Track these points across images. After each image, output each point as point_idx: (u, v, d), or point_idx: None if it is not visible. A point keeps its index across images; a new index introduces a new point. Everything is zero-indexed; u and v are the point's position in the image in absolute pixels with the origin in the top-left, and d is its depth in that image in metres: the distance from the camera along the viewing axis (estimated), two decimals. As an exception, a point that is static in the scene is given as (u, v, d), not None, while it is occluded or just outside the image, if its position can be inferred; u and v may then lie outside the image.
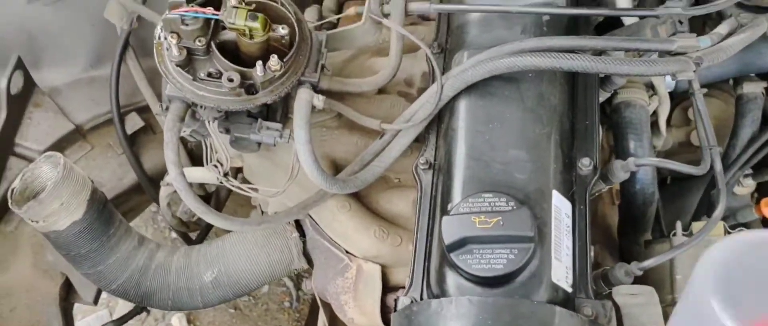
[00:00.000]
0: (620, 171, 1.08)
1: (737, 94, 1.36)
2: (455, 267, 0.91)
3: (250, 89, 1.03)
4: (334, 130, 1.24)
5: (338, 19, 1.37)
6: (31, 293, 1.30)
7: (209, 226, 1.54)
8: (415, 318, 0.91)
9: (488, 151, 1.02)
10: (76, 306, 1.41)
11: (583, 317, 0.89)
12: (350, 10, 1.22)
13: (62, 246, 1.15)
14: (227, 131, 1.10)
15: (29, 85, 1.34)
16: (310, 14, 1.44)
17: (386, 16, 1.16)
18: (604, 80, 1.17)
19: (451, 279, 0.94)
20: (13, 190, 1.11)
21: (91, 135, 1.42)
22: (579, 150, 1.06)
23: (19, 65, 1.30)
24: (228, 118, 1.08)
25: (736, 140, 1.35)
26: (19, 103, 1.32)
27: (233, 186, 1.09)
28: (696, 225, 1.24)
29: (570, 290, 0.94)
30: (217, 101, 1.02)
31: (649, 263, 0.99)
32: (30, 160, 1.34)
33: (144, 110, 1.45)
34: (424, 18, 1.40)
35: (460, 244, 0.90)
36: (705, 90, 1.18)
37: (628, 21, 1.13)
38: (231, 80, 1.00)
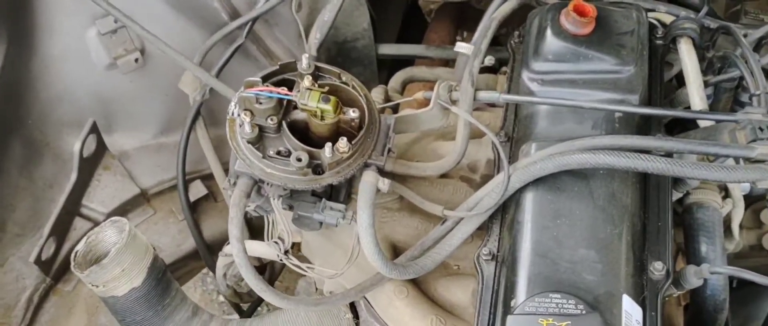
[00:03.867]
0: (693, 277, 1.04)
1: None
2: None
3: (316, 169, 1.03)
4: (396, 212, 1.22)
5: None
6: (82, 355, 1.30)
7: (261, 299, 1.53)
8: None
9: (555, 248, 0.99)
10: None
11: None
12: (418, 95, 1.23)
13: (118, 312, 1.15)
14: (290, 208, 1.11)
15: (101, 148, 1.38)
16: (376, 94, 1.45)
17: (454, 102, 1.17)
18: (677, 180, 1.14)
19: (514, 381, 0.90)
20: (76, 252, 1.13)
21: (155, 200, 1.45)
22: (651, 252, 1.02)
23: (94, 129, 1.34)
24: (292, 196, 1.08)
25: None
26: (89, 166, 1.36)
27: (293, 264, 1.08)
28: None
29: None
30: (284, 179, 1.02)
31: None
32: (94, 222, 1.37)
33: (207, 178, 1.48)
34: (491, 104, 1.40)
35: (517, 347, 0.87)
36: (784, 195, 1.14)
37: (703, 122, 1.10)
38: (299, 160, 1.01)
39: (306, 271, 1.09)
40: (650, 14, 1.25)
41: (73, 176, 1.30)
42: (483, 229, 1.11)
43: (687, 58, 1.17)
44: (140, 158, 1.45)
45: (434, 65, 1.63)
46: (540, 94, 1.14)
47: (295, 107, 1.06)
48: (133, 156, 1.45)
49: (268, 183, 1.05)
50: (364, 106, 1.05)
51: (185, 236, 1.42)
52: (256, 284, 1.01)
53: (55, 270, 1.32)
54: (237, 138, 1.04)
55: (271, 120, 1.03)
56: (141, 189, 1.42)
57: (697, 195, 1.20)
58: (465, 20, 1.95)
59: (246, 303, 1.48)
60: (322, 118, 1.02)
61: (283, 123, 1.04)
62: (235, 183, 1.05)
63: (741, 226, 1.38)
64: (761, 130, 0.98)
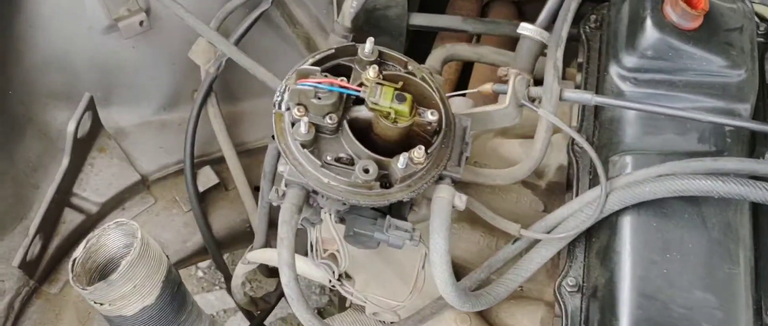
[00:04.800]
0: (807, 323, 0.91)
1: None
2: None
3: (383, 181, 0.85)
4: (454, 222, 1.06)
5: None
6: (72, 369, 1.11)
7: (275, 304, 1.35)
8: None
9: (666, 288, 0.84)
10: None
11: None
12: (486, 87, 1.04)
13: (126, 333, 0.97)
14: (341, 220, 0.92)
15: (96, 127, 1.17)
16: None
17: (533, 100, 0.99)
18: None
19: None
20: (75, 261, 0.93)
21: (156, 187, 1.24)
22: (766, 294, 0.88)
23: (90, 106, 1.11)
24: (351, 212, 0.90)
25: None
26: (82, 148, 1.14)
27: (347, 292, 0.91)
28: None
29: None
30: (346, 193, 0.83)
31: None
32: (87, 213, 1.16)
33: (218, 162, 1.28)
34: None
35: None
36: None
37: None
38: (367, 171, 0.82)
39: (363, 301, 0.91)
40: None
41: (65, 161, 1.08)
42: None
43: (799, 63, 1.02)
44: (140, 137, 1.24)
45: (464, 40, 1.45)
46: (632, 95, 0.97)
47: (355, 102, 0.87)
48: (132, 135, 1.23)
49: (322, 196, 0.86)
50: (441, 106, 0.87)
51: (191, 230, 1.23)
52: (310, 320, 0.84)
53: (41, 271, 1.12)
54: (287, 140, 0.85)
55: (330, 119, 0.84)
56: (141, 174, 1.21)
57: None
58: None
59: (261, 309, 1.31)
60: (395, 121, 0.84)
61: (344, 122, 0.85)
62: (284, 195, 0.85)
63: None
64: None
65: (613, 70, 0.99)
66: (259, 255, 1.07)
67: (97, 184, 1.16)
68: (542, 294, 1.04)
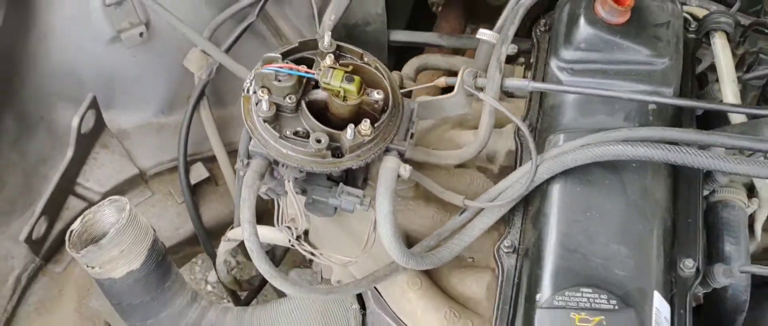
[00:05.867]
0: (721, 276, 1.01)
1: None
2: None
3: (335, 152, 0.98)
4: (411, 200, 1.17)
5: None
6: (71, 339, 1.23)
7: (260, 288, 1.47)
8: None
9: (586, 243, 0.95)
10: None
11: None
12: (439, 81, 1.18)
13: (114, 295, 1.09)
14: (303, 192, 1.05)
15: (99, 125, 1.31)
16: (390, 80, 1.40)
17: (479, 89, 1.12)
18: (705, 177, 1.10)
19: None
20: (71, 232, 1.06)
21: (154, 181, 1.38)
22: (680, 250, 0.98)
23: (93, 105, 1.27)
24: (307, 179, 1.03)
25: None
26: (86, 143, 1.29)
27: (305, 250, 1.03)
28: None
29: None
30: (301, 161, 0.96)
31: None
32: (90, 201, 1.30)
33: (209, 160, 1.41)
34: (509, 94, 1.35)
35: (557, 342, 0.82)
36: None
37: (734, 118, 1.06)
38: (319, 141, 0.95)
39: (318, 257, 1.03)
40: (684, 7, 1.21)
41: (69, 152, 1.23)
42: (501, 222, 1.07)
43: (721, 53, 1.14)
44: (140, 138, 1.38)
45: (446, 54, 1.59)
46: (569, 83, 1.09)
47: (315, 86, 1.00)
48: (133, 135, 1.38)
49: (283, 165, 0.99)
50: (388, 87, 1.00)
51: (184, 220, 1.36)
52: (267, 270, 0.96)
53: (46, 250, 1.25)
54: (252, 116, 0.98)
55: (290, 99, 0.97)
56: (139, 169, 1.35)
57: (723, 193, 1.16)
58: (474, 14, 1.90)
59: (245, 291, 1.42)
60: (345, 99, 0.97)
61: (302, 102, 0.98)
62: (248, 164, 0.98)
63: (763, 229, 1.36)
64: (797, 126, 0.95)
65: (554, 63, 1.11)
66: (238, 232, 1.20)
67: (99, 176, 1.30)
68: (489, 263, 1.14)
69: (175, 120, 1.39)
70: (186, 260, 1.57)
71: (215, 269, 1.30)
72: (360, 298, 1.19)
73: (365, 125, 0.96)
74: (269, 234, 1.08)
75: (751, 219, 1.22)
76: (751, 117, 1.04)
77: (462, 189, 1.18)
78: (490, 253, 1.15)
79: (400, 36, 1.57)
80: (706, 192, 1.15)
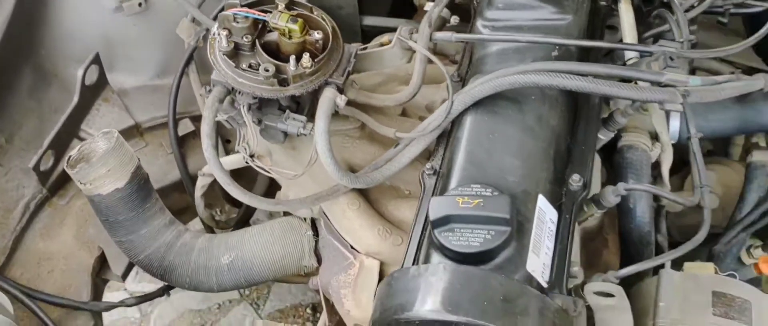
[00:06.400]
0: (611, 195, 1.16)
1: (747, 161, 1.43)
2: (438, 245, 1.00)
3: (283, 82, 1.18)
4: (356, 139, 1.36)
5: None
6: (68, 260, 1.44)
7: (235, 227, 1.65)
8: (395, 282, 0.99)
9: (486, 158, 1.12)
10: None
11: (550, 301, 0.95)
12: (384, 37, 1.38)
13: (102, 211, 1.28)
14: (259, 122, 1.25)
15: (102, 80, 1.54)
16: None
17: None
18: (607, 119, 1.27)
19: (435, 257, 1.02)
20: (70, 157, 1.27)
21: (147, 133, 1.60)
22: (572, 169, 1.14)
23: (96, 61, 1.50)
24: (261, 108, 1.23)
25: (742, 203, 1.41)
26: (90, 94, 1.52)
27: (257, 166, 1.22)
28: (687, 265, 1.27)
29: (545, 285, 1.00)
30: (253, 88, 1.17)
31: (625, 272, 1.06)
32: (92, 146, 1.52)
33: (196, 119, 1.62)
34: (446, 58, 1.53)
35: (443, 222, 0.99)
36: (701, 134, 1.26)
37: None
38: (267, 70, 1.16)
39: (270, 172, 1.22)
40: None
41: (75, 98, 1.46)
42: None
43: (624, 14, 1.31)
44: (137, 96, 1.61)
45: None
46: (488, 35, 1.29)
47: (269, 30, 1.21)
48: (131, 93, 1.60)
49: (239, 92, 1.19)
50: (329, 31, 1.21)
51: (172, 167, 1.57)
52: (219, 173, 1.16)
53: (52, 184, 1.47)
54: (215, 52, 1.19)
55: (246, 38, 1.18)
56: (135, 122, 1.57)
57: (628, 138, 1.33)
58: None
59: (221, 229, 1.61)
60: (290, 37, 1.18)
61: (257, 42, 1.19)
62: (210, 91, 1.19)
63: (683, 188, 1.51)
64: (671, 59, 1.12)
65: (479, 22, 1.31)
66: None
67: (100, 124, 1.52)
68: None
69: (168, 83, 1.60)
70: (173, 206, 1.77)
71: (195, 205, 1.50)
72: (314, 227, 1.38)
73: (306, 58, 1.16)
74: (228, 159, 1.28)
75: (659, 166, 1.38)
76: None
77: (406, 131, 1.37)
78: (423, 186, 1.34)
79: (372, 21, 1.78)
80: (611, 134, 1.31)
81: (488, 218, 0.97)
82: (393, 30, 1.82)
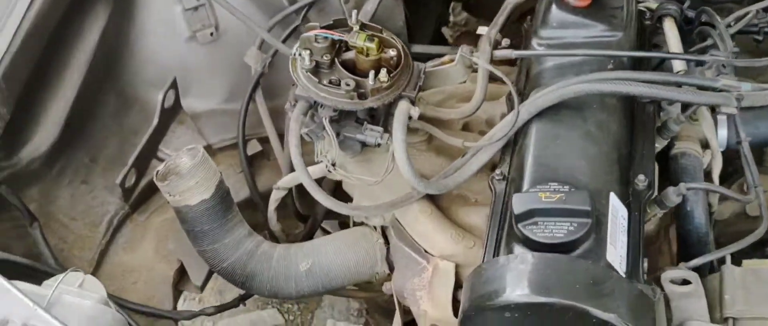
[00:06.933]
0: (673, 194, 1.24)
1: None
2: (521, 238, 1.08)
3: (361, 96, 1.28)
4: (424, 152, 1.45)
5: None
6: (150, 272, 1.52)
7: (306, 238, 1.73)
8: (485, 272, 1.06)
9: (554, 160, 1.20)
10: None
11: (634, 285, 1.03)
12: (445, 58, 1.48)
13: (189, 221, 1.36)
14: (337, 134, 1.34)
15: (177, 104, 1.65)
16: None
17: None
18: (661, 128, 1.35)
19: (517, 250, 1.09)
20: (157, 172, 1.36)
21: (218, 154, 1.70)
22: (636, 170, 1.23)
23: (174, 85, 1.61)
24: (339, 121, 1.32)
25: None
26: (168, 116, 1.62)
27: (339, 173, 1.31)
28: (746, 262, 1.34)
29: (623, 275, 1.08)
30: (335, 102, 1.27)
31: (695, 262, 1.13)
32: (166, 165, 1.62)
33: (263, 140, 1.72)
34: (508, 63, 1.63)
35: (527, 216, 1.07)
36: (750, 138, 1.34)
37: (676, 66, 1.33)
38: (348, 85, 1.26)
39: (350, 178, 1.31)
40: (641, 4, 1.51)
41: (155, 120, 1.56)
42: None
43: (669, 31, 1.41)
44: (208, 119, 1.71)
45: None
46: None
47: (346, 50, 1.32)
48: (203, 117, 1.71)
49: (321, 106, 1.29)
50: (401, 49, 1.31)
51: (241, 186, 1.66)
52: (306, 179, 1.25)
53: (133, 201, 1.56)
54: (297, 70, 1.30)
55: (326, 57, 1.29)
56: (207, 143, 1.67)
57: (681, 145, 1.42)
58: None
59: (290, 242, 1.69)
60: (367, 55, 1.28)
61: (336, 60, 1.30)
62: (294, 105, 1.29)
63: (727, 198, 1.59)
64: (724, 66, 1.21)
65: (534, 41, 1.41)
66: (287, 181, 1.49)
67: (176, 145, 1.63)
68: (489, 203, 1.40)
69: (236, 107, 1.71)
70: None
71: (267, 219, 1.58)
72: (385, 236, 1.46)
73: (383, 73, 1.26)
74: (311, 169, 1.37)
75: (709, 173, 1.46)
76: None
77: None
78: (490, 195, 1.42)
79: (420, 49, 1.90)
80: (665, 142, 1.40)
81: (570, 211, 1.05)
82: (439, 56, 1.95)
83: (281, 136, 1.73)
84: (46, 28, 1.33)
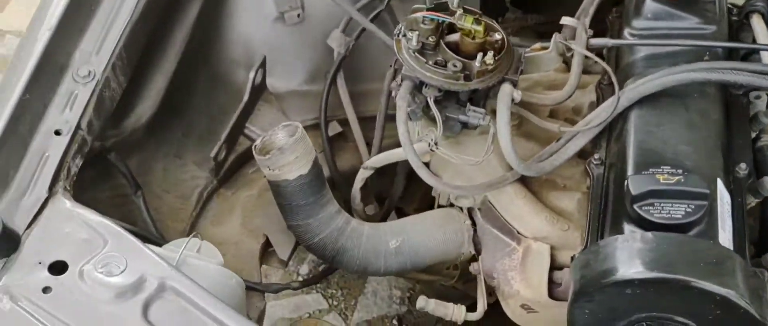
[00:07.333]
0: (769, 184, 1.27)
1: None
2: (635, 219, 1.10)
3: (467, 77, 1.30)
4: (515, 136, 1.47)
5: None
6: (238, 246, 1.55)
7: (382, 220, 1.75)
8: (602, 250, 1.09)
9: (660, 146, 1.23)
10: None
11: (749, 266, 1.05)
12: (537, 45, 1.51)
13: (286, 196, 1.39)
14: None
15: (263, 84, 1.68)
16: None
17: (569, 50, 1.44)
18: (751, 120, 1.38)
19: (628, 230, 1.12)
20: (255, 146, 1.39)
21: (299, 134, 1.72)
22: (735, 158, 1.25)
23: (263, 65, 1.64)
24: (441, 102, 1.35)
25: None
26: (255, 95, 1.65)
27: (441, 152, 1.33)
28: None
29: (734, 257, 1.10)
30: (441, 82, 1.29)
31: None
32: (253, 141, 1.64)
33: (343, 123, 1.75)
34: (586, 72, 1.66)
35: (644, 197, 1.09)
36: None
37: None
38: (455, 66, 1.28)
39: (452, 158, 1.33)
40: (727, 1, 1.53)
41: (245, 97, 1.59)
42: (590, 153, 1.36)
43: (757, 26, 1.43)
44: (289, 100, 1.74)
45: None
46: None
47: (449, 32, 1.34)
48: (284, 97, 1.74)
49: (426, 86, 1.32)
50: (503, 33, 1.34)
51: (322, 165, 1.68)
52: (412, 156, 1.27)
53: (222, 176, 1.59)
54: (402, 51, 1.32)
55: (432, 39, 1.31)
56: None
57: (766, 138, 1.44)
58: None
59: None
60: (474, 37, 1.30)
61: (441, 41, 1.32)
62: (400, 84, 1.32)
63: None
64: (817, 60, 1.24)
65: (627, 31, 1.43)
66: (375, 160, 1.52)
67: (261, 123, 1.65)
68: (580, 188, 1.42)
69: (317, 89, 1.74)
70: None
71: (350, 199, 1.61)
72: (471, 218, 1.48)
73: (489, 56, 1.29)
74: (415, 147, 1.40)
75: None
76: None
77: (554, 135, 1.49)
78: (580, 181, 1.44)
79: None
80: (754, 134, 1.42)
81: (689, 193, 1.07)
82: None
83: (360, 119, 1.76)
84: (159, 2, 1.36)
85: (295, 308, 2.81)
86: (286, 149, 1.34)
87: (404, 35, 1.32)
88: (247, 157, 1.64)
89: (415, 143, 1.37)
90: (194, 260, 1.08)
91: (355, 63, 1.75)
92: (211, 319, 0.89)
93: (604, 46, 1.42)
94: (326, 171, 1.71)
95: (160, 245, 1.22)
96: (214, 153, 1.52)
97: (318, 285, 2.83)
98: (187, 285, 0.93)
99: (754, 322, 1.00)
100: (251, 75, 1.59)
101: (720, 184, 1.17)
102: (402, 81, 1.32)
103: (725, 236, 1.11)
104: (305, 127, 1.72)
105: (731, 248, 1.11)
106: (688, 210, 1.07)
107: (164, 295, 0.94)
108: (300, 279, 2.79)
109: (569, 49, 1.42)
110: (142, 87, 1.43)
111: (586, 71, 1.61)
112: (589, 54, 1.37)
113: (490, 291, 1.46)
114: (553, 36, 1.46)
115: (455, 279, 1.59)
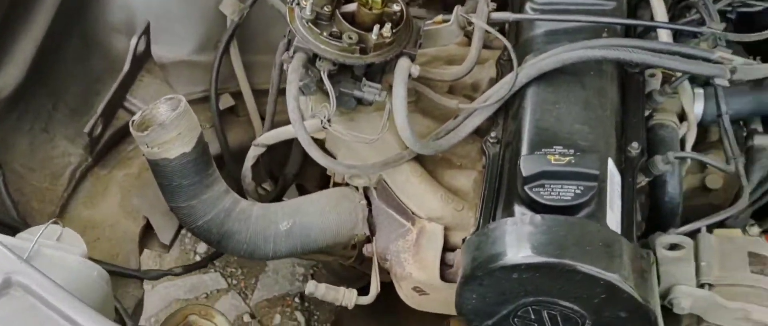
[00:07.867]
0: (661, 163, 1.27)
1: (747, 146, 1.58)
2: (526, 200, 1.08)
3: (363, 50, 1.23)
4: (411, 113, 1.42)
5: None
6: (114, 228, 1.43)
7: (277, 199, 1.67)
8: (492, 233, 1.06)
9: (555, 124, 1.21)
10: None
11: (637, 247, 1.05)
12: (438, 18, 1.45)
13: (167, 175, 1.28)
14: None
15: (147, 52, 1.54)
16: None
17: (469, 24, 1.40)
18: (647, 97, 1.38)
19: (519, 212, 1.09)
20: (133, 121, 1.27)
21: (186, 107, 1.60)
22: (629, 137, 1.25)
23: (146, 31, 1.50)
24: (335, 76, 1.27)
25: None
26: (137, 64, 1.52)
27: (334, 130, 1.26)
28: (717, 232, 1.40)
29: (620, 238, 1.10)
30: (336, 55, 1.22)
31: (685, 228, 1.17)
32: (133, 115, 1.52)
33: (235, 95, 1.65)
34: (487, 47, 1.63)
35: (535, 178, 1.07)
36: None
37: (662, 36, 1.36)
38: (350, 38, 1.21)
39: (345, 136, 1.27)
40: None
41: (126, 67, 1.45)
42: (486, 131, 1.33)
43: (655, 3, 1.44)
44: (175, 71, 1.61)
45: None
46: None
47: (346, 2, 1.27)
48: (170, 68, 1.61)
49: (320, 59, 1.24)
50: (402, 4, 1.27)
51: (211, 141, 1.57)
52: (302, 134, 1.20)
53: (96, 153, 1.46)
54: (296, 21, 1.24)
55: (327, 8, 1.23)
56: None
57: (660, 116, 1.45)
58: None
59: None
60: (371, 8, 1.23)
61: (336, 11, 1.24)
62: (293, 56, 1.23)
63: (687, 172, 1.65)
64: (719, 39, 1.25)
65: (528, 6, 1.40)
66: (266, 138, 1.43)
67: (143, 95, 1.52)
68: (476, 167, 1.39)
69: (206, 59, 1.62)
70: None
71: (241, 176, 1.51)
72: (365, 196, 1.43)
73: (387, 28, 1.22)
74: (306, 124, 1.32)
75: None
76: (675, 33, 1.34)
77: (451, 111, 1.45)
78: (476, 159, 1.41)
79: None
80: (648, 112, 1.43)
81: (579, 174, 1.06)
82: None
83: (255, 92, 1.66)
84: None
85: (191, 288, 2.69)
86: (167, 124, 1.23)
87: (297, 3, 1.24)
88: (126, 132, 1.50)
89: (307, 119, 1.30)
90: (50, 250, 0.96)
91: (250, 32, 1.64)
92: (63, 318, 0.79)
93: (505, 21, 1.39)
94: (216, 148, 1.61)
95: (20, 230, 1.10)
96: (88, 128, 1.39)
97: (216, 263, 2.72)
98: (37, 281, 0.82)
99: (638, 305, 1.00)
100: (133, 42, 1.46)
101: (611, 164, 1.17)
102: (294, 53, 1.24)
103: (614, 217, 1.10)
104: (193, 101, 1.64)
105: (619, 230, 1.10)
106: (578, 191, 1.05)
107: (10, 292, 0.83)
108: (197, 257, 2.69)
109: (470, 23, 1.38)
110: (4, 52, 1.28)
111: (487, 46, 1.59)
112: (489, 28, 1.34)
113: (386, 273, 1.42)
114: (455, 8, 1.41)
115: (352, 259, 1.53)
